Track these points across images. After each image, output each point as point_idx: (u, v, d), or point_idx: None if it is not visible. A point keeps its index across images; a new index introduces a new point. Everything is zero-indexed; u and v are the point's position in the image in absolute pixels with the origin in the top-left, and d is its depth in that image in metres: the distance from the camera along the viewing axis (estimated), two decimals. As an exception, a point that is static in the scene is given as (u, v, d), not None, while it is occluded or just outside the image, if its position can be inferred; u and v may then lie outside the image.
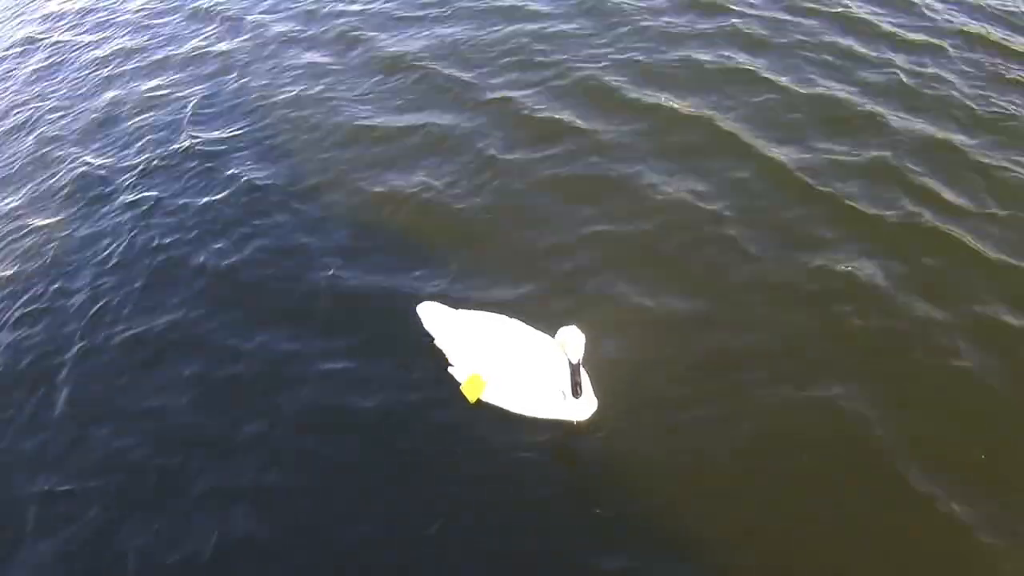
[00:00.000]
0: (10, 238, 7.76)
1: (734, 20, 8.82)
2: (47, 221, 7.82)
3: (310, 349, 5.94)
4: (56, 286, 6.98)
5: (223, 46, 10.02)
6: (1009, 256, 5.97)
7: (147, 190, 7.83)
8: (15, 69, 10.85)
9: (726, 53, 8.32)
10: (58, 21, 11.84)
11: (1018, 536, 4.52)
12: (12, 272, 7.30)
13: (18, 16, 12.43)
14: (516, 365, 5.43)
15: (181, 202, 7.58)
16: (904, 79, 7.74)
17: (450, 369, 5.64)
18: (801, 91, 7.70)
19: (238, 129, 8.50)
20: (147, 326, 6.41)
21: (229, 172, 7.83)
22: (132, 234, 7.30)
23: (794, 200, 6.62)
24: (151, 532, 5.10)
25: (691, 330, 5.74)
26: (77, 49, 10.82)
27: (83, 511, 5.26)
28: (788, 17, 8.83)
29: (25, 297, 6.96)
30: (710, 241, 6.37)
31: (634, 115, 7.63)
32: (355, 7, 10.14)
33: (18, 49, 11.37)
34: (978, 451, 4.88)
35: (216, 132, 8.49)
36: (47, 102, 9.79)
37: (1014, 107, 7.28)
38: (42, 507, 5.36)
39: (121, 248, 7.18)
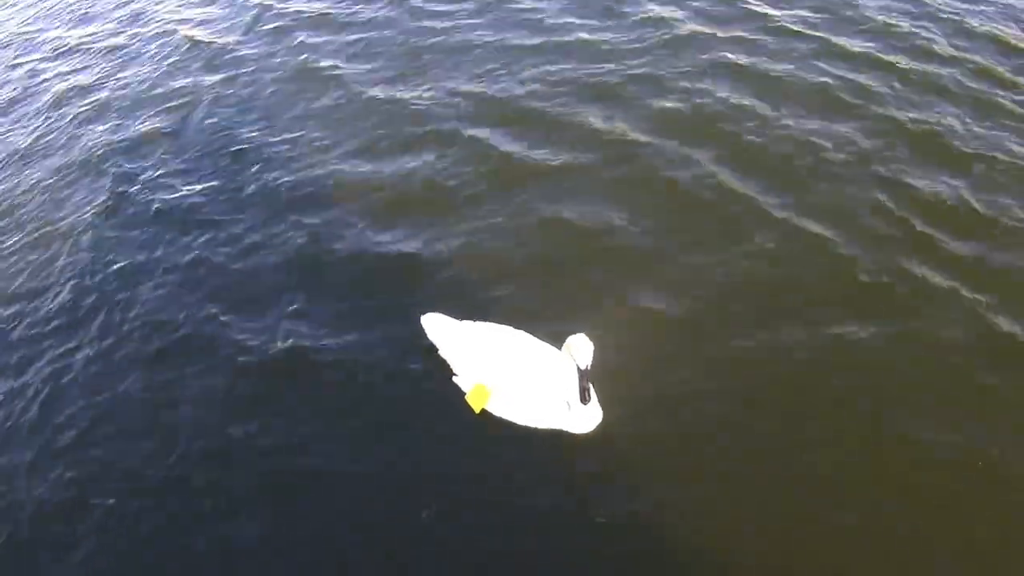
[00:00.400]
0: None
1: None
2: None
3: (316, 356, 6.00)
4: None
5: (203, 81, 9.83)
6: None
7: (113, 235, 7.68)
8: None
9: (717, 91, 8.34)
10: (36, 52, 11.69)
11: (1018, 536, 4.54)
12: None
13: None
14: (521, 376, 5.48)
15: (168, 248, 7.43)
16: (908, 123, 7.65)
17: (455, 379, 5.71)
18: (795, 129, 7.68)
19: (257, 129, 8.62)
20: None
21: (247, 173, 7.94)
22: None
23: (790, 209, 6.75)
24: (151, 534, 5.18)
25: (691, 344, 5.78)
26: (47, 81, 10.69)
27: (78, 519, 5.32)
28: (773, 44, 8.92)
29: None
30: (710, 251, 6.45)
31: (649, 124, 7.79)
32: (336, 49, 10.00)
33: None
34: (977, 456, 4.91)
35: (235, 133, 8.61)
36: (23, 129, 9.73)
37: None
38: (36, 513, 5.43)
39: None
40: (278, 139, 8.44)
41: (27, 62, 11.30)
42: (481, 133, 7.96)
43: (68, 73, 10.64)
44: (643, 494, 4.93)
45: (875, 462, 4.92)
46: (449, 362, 5.77)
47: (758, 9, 9.51)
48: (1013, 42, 8.61)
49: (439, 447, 5.33)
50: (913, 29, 8.90)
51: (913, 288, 5.99)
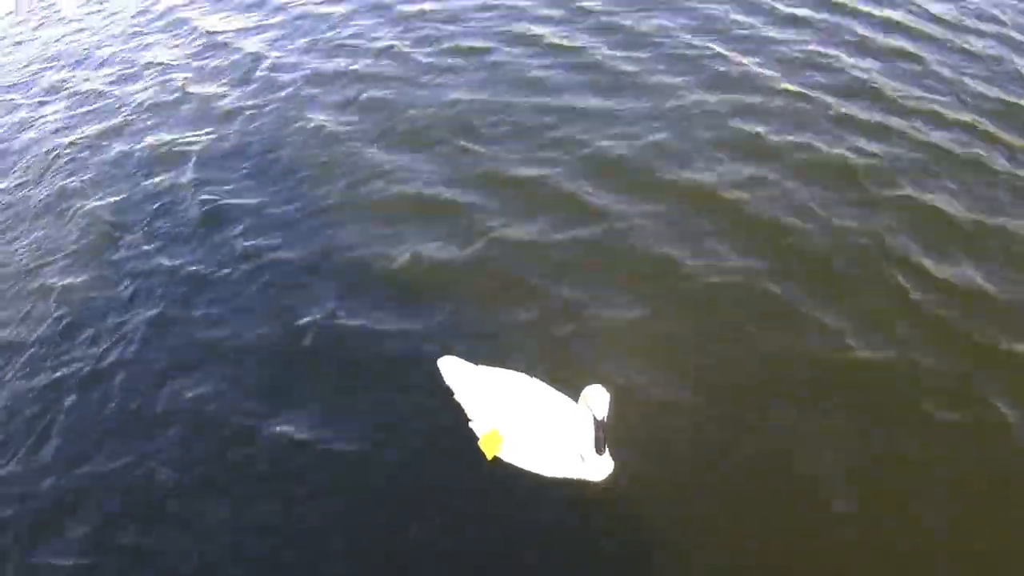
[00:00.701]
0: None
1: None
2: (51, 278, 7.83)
3: (332, 389, 6.12)
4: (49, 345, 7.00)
5: (194, 133, 9.66)
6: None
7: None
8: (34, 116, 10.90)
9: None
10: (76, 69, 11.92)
11: (1017, 550, 4.51)
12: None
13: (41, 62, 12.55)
14: (534, 424, 5.53)
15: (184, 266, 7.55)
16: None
17: (469, 424, 5.82)
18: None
19: (246, 188, 8.48)
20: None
21: (235, 236, 7.79)
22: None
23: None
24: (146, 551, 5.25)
25: (692, 370, 5.87)
26: (38, 127, 10.59)
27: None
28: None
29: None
30: (728, 309, 6.42)
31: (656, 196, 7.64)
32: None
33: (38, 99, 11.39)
34: (975, 474, 4.94)
35: (223, 191, 8.47)
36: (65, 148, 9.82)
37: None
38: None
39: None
40: (270, 195, 8.30)
41: (20, 106, 11.27)
42: (478, 199, 7.78)
43: (60, 120, 10.56)
44: (645, 510, 4.96)
45: (874, 479, 4.94)
46: (464, 407, 5.87)
47: (766, 78, 9.24)
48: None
49: (441, 460, 5.41)
50: (925, 94, 8.76)
51: (912, 321, 6.07)
